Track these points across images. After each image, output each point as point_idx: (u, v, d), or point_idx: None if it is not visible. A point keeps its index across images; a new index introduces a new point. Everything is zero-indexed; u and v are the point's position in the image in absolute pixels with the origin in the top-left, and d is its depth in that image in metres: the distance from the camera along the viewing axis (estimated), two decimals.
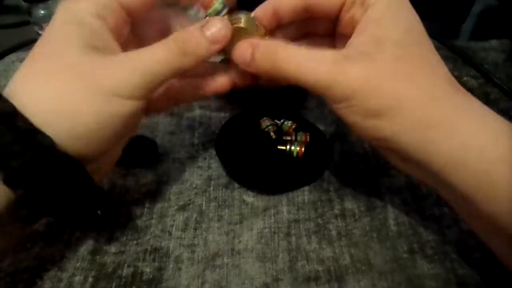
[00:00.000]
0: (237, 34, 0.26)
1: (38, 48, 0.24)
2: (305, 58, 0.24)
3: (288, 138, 0.34)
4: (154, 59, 0.23)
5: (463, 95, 0.23)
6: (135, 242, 0.29)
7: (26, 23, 0.48)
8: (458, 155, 0.21)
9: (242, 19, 0.26)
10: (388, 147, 0.24)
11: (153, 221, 0.30)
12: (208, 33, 0.25)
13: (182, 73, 0.25)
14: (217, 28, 0.25)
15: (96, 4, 0.25)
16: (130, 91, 0.23)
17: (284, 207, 0.31)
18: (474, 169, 0.21)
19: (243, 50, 0.26)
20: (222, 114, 0.38)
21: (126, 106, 0.23)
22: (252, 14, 0.28)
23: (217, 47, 0.25)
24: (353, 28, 0.25)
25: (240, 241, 0.29)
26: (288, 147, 0.33)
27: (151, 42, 0.25)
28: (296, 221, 0.30)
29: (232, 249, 0.28)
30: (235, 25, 0.26)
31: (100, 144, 0.23)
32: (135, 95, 0.23)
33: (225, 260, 0.28)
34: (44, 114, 0.21)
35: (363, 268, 0.27)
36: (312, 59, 0.24)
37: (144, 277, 0.27)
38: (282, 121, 0.35)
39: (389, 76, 0.23)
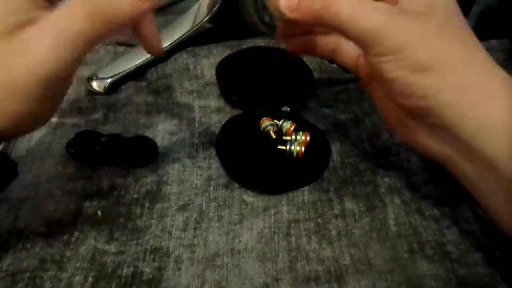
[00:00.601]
0: None
1: None
2: (360, 3, 0.24)
3: (288, 138, 0.34)
4: (73, 36, 0.22)
5: (495, 64, 0.24)
6: (135, 242, 0.29)
7: None
8: (491, 118, 0.22)
9: None
10: (426, 107, 0.24)
11: (153, 221, 0.30)
12: None
13: None
14: None
15: None
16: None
17: (284, 207, 0.31)
18: (503, 132, 0.22)
19: None
20: (222, 114, 0.38)
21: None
22: None
23: (148, 5, 0.23)
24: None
25: (240, 241, 0.29)
26: (288, 147, 0.33)
27: None
28: (296, 221, 0.30)
29: (232, 249, 0.28)
30: None
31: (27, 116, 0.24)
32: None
33: (225, 260, 0.28)
34: None
35: (363, 268, 0.27)
36: (368, 5, 0.24)
37: (144, 277, 0.27)
38: (282, 121, 0.35)
39: (441, 33, 0.24)
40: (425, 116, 0.25)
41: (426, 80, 0.23)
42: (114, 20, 0.23)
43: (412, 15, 0.24)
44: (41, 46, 0.22)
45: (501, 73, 0.24)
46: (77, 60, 0.23)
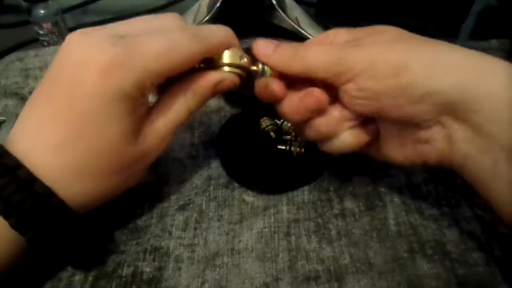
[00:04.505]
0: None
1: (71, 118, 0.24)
2: (321, 48, 0.26)
3: (288, 138, 0.34)
4: (178, 123, 0.28)
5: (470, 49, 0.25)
6: (135, 242, 0.29)
7: (26, 23, 0.48)
8: (488, 93, 0.22)
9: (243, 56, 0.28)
10: (424, 99, 0.24)
11: (153, 220, 0.30)
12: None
13: None
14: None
15: (141, 76, 0.24)
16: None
17: (284, 206, 0.31)
18: (502, 105, 0.22)
19: (265, 44, 0.28)
20: (222, 114, 0.38)
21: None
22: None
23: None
24: None
25: (240, 241, 0.29)
26: (288, 146, 0.33)
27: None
28: (296, 220, 0.30)
29: (232, 249, 0.28)
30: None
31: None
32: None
33: (225, 259, 0.28)
34: (77, 198, 0.24)
35: (363, 268, 0.27)
36: (326, 46, 0.27)
37: (144, 277, 0.27)
38: (282, 121, 0.35)
39: (399, 41, 0.26)
40: (431, 112, 0.24)
41: (406, 76, 0.23)
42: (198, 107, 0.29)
43: (363, 40, 0.26)
44: (157, 138, 0.26)
45: (481, 55, 0.24)
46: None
